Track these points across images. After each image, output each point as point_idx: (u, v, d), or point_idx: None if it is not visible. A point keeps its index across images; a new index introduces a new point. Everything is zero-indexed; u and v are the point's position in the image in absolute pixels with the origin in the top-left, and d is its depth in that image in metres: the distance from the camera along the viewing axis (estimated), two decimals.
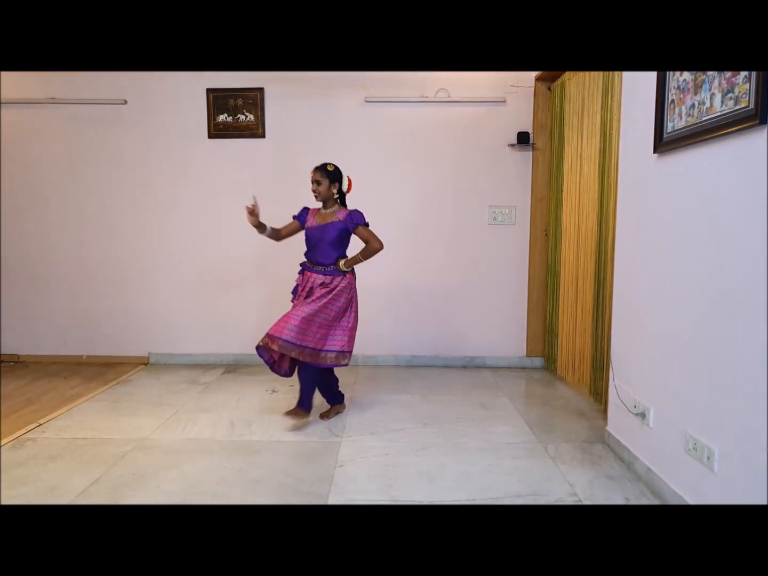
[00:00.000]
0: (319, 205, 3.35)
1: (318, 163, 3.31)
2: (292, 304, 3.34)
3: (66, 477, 2.66)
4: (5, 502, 2.42)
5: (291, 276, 4.77)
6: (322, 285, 3.23)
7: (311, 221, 3.34)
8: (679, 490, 2.31)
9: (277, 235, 3.43)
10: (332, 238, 3.25)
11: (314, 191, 3.28)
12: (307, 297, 3.23)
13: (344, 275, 3.28)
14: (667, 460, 2.43)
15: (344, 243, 3.32)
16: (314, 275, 3.28)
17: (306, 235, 3.35)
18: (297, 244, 4.68)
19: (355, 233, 3.29)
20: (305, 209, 3.42)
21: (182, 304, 4.78)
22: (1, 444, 3.02)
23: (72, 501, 2.43)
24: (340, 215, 3.28)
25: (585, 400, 3.82)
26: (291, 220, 3.44)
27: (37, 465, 2.79)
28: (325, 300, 3.18)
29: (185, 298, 4.77)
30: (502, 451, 2.98)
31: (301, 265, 3.39)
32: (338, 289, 3.24)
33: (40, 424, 3.33)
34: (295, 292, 3.37)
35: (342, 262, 3.24)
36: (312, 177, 3.28)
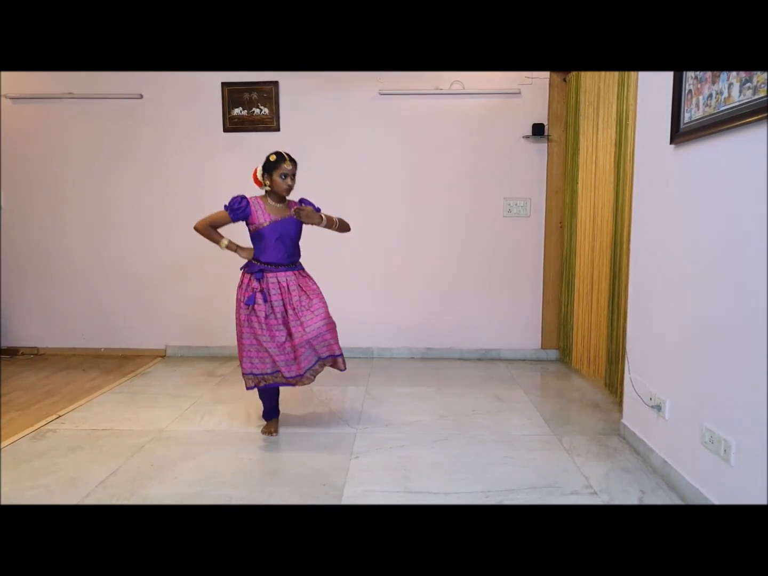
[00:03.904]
0: (252, 194, 2.93)
1: (288, 155, 2.97)
2: (245, 317, 2.91)
3: (86, 467, 2.70)
4: (27, 491, 2.47)
5: (306, 267, 4.79)
6: (298, 286, 2.98)
7: (266, 216, 2.92)
8: (696, 482, 2.30)
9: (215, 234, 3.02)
10: (295, 233, 3.00)
11: (290, 187, 2.94)
12: (276, 304, 2.92)
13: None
14: (683, 453, 2.42)
15: None
16: (284, 274, 2.95)
17: (266, 231, 2.91)
18: (316, 235, 4.71)
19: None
20: (245, 200, 2.93)
21: (199, 296, 4.81)
22: (22, 435, 3.07)
23: (92, 491, 2.47)
24: (293, 206, 3.03)
25: (600, 392, 3.81)
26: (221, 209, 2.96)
27: (57, 455, 2.83)
28: (307, 300, 2.97)
29: (202, 290, 4.81)
30: (517, 443, 2.99)
31: (250, 269, 2.95)
32: (309, 278, 3.07)
33: (60, 416, 3.38)
34: (252, 301, 2.89)
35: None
36: (291, 170, 2.92)
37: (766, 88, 1.82)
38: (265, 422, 3.18)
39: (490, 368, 4.48)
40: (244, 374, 3.00)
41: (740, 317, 2.01)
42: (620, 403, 3.24)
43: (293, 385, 2.99)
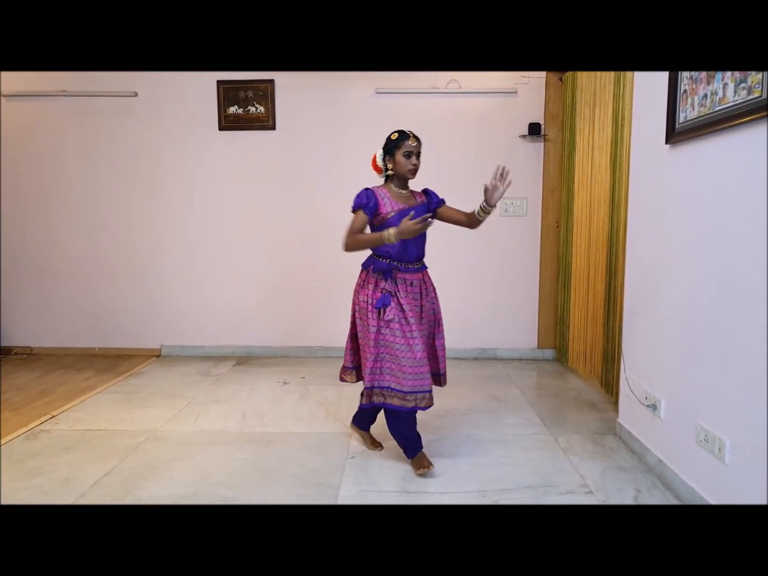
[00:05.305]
0: (372, 182, 2.62)
1: (409, 132, 2.61)
2: (376, 322, 2.55)
3: (80, 468, 2.69)
4: (20, 492, 2.46)
5: (302, 268, 4.77)
6: (424, 291, 2.69)
7: (394, 204, 2.59)
8: (690, 481, 2.31)
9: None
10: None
11: (415, 167, 2.60)
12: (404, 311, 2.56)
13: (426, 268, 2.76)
14: (679, 452, 2.42)
15: None
16: (413, 276, 2.65)
17: (394, 221, 2.54)
18: (312, 235, 4.70)
19: (440, 212, 2.75)
20: (369, 191, 2.60)
21: (194, 296, 4.80)
22: (16, 435, 3.06)
23: (86, 491, 2.46)
24: (419, 196, 2.73)
25: (596, 391, 3.81)
26: (354, 214, 2.60)
27: (51, 456, 2.82)
28: (434, 317, 2.73)
29: (197, 290, 4.79)
30: (513, 442, 2.98)
31: (378, 268, 2.60)
32: (431, 283, 2.78)
33: (54, 416, 3.37)
34: (387, 301, 2.53)
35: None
36: (416, 147, 2.59)
37: (760, 88, 1.82)
38: (412, 461, 2.68)
39: (487, 367, 4.48)
40: (365, 389, 2.60)
41: (735, 316, 2.01)
42: (616, 403, 3.24)
43: (423, 406, 2.55)
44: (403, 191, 2.66)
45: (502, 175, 2.55)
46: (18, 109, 4.67)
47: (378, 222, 2.59)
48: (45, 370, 4.42)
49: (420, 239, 2.67)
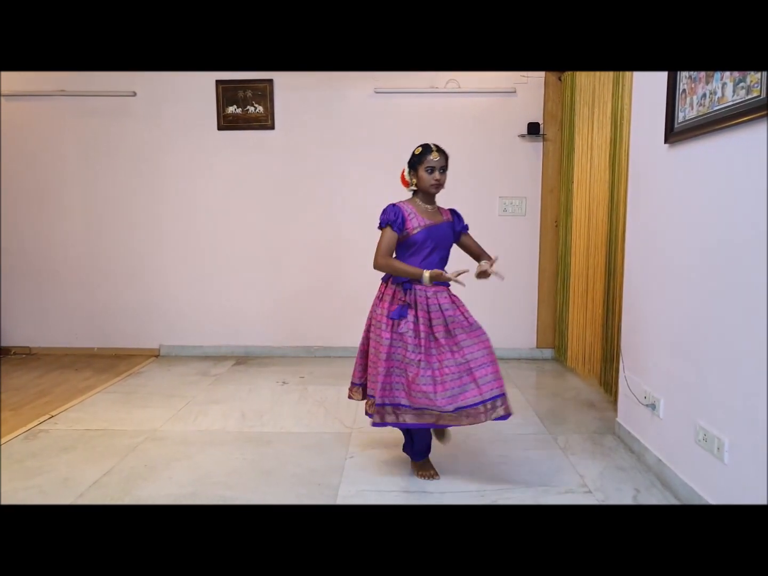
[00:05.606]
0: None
1: (427, 144, 2.53)
2: (389, 335, 2.46)
3: (79, 468, 2.69)
4: (20, 492, 2.45)
5: (302, 268, 4.76)
6: (451, 307, 2.58)
7: (420, 219, 2.51)
8: (689, 481, 2.31)
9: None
10: (451, 241, 2.64)
11: (438, 182, 2.51)
12: (422, 323, 2.48)
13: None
14: (678, 451, 2.42)
15: None
16: (435, 289, 2.53)
17: (419, 238, 2.50)
18: (311, 234, 4.70)
19: (461, 238, 2.71)
20: (395, 206, 2.53)
21: (193, 296, 4.80)
22: (15, 435, 3.06)
23: (85, 491, 2.46)
24: (445, 213, 2.64)
25: (595, 391, 3.81)
26: (381, 231, 2.54)
27: (50, 456, 2.82)
28: (466, 323, 2.62)
29: (196, 290, 4.79)
30: (512, 442, 2.99)
31: (397, 280, 2.52)
32: (458, 297, 2.65)
33: (53, 416, 3.36)
34: (404, 313, 2.46)
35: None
36: (439, 162, 2.49)
37: (759, 87, 1.82)
38: (416, 464, 2.66)
39: None
40: (375, 405, 2.45)
41: (733, 316, 2.01)
42: (615, 402, 3.25)
43: (443, 425, 2.45)
44: (429, 207, 2.58)
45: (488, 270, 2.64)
46: (17, 109, 4.66)
47: (403, 237, 2.51)
48: (44, 370, 4.42)
49: (445, 258, 2.62)
